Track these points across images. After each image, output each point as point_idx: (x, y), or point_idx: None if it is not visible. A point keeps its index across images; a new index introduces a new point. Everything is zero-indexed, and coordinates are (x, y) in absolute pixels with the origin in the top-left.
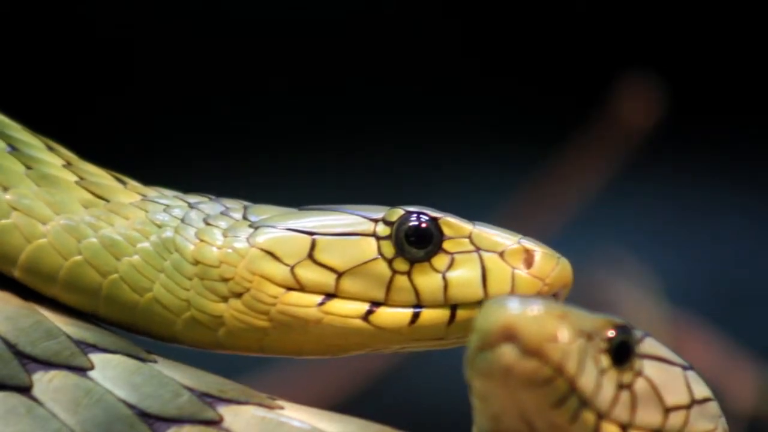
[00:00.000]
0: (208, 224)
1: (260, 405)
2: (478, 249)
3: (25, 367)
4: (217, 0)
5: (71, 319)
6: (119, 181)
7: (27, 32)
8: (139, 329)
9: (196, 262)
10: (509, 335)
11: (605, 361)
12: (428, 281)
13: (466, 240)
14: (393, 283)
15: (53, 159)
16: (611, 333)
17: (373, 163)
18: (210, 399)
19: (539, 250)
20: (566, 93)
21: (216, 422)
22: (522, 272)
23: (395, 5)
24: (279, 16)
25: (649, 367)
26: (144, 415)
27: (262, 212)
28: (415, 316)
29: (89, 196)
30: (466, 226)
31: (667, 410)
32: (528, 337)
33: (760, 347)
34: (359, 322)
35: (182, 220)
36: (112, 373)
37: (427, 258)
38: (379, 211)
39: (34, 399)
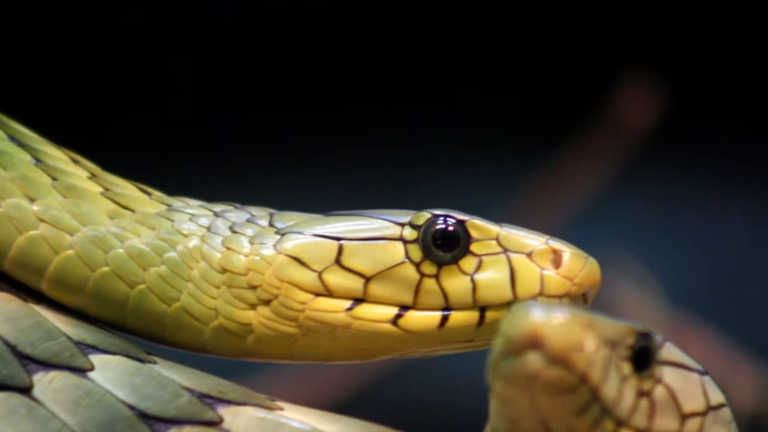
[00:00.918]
0: (234, 232)
1: (260, 406)
2: (505, 250)
3: (26, 367)
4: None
5: (71, 320)
6: (144, 191)
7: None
8: (167, 340)
9: (224, 271)
10: (535, 343)
11: (627, 368)
12: (456, 284)
13: (494, 242)
14: (421, 286)
15: (78, 171)
16: (634, 340)
17: (373, 163)
18: (210, 400)
19: (567, 251)
20: (566, 93)
21: (216, 423)
22: (550, 273)
23: (396, 4)
24: (278, 16)
25: (668, 374)
26: (144, 416)
27: (289, 219)
28: (444, 319)
29: (115, 207)
30: (493, 227)
31: (684, 417)
32: (554, 345)
33: (760, 347)
34: (388, 327)
35: (208, 229)
36: (112, 374)
37: (455, 261)
38: (405, 215)
39: (35, 399)
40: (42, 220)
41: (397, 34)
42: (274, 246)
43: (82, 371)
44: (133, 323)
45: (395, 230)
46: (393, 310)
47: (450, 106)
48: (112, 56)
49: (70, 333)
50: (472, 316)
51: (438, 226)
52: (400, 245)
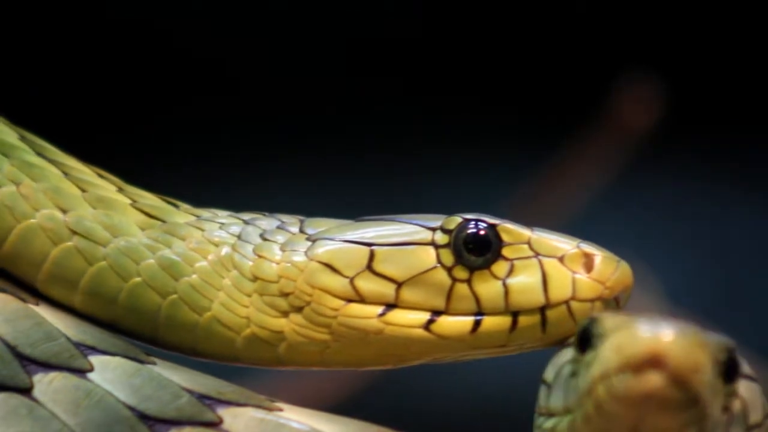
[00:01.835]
0: (265, 240)
1: (259, 407)
2: (537, 254)
3: (26, 368)
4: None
5: (70, 320)
6: (171, 204)
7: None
8: (199, 351)
9: (255, 278)
10: (658, 362)
11: (719, 384)
12: (489, 288)
13: (525, 246)
14: (453, 291)
15: (105, 184)
16: (725, 356)
17: (372, 163)
18: (209, 401)
19: (599, 254)
20: (566, 93)
21: (215, 424)
22: (582, 276)
23: (394, 4)
24: (276, 16)
25: (742, 386)
26: (144, 417)
27: (319, 225)
28: (477, 324)
29: (145, 218)
30: (525, 232)
31: (749, 428)
32: (677, 365)
33: (760, 347)
34: (421, 332)
35: (239, 237)
36: (112, 375)
37: (487, 265)
38: (436, 220)
39: (35, 400)
40: (75, 232)
41: (396, 34)
42: (306, 253)
43: (81, 372)
44: (165, 335)
45: (426, 235)
46: (425, 316)
47: (449, 107)
48: (103, 59)
49: (69, 334)
50: (504, 320)
51: (469, 231)
52: (431, 250)
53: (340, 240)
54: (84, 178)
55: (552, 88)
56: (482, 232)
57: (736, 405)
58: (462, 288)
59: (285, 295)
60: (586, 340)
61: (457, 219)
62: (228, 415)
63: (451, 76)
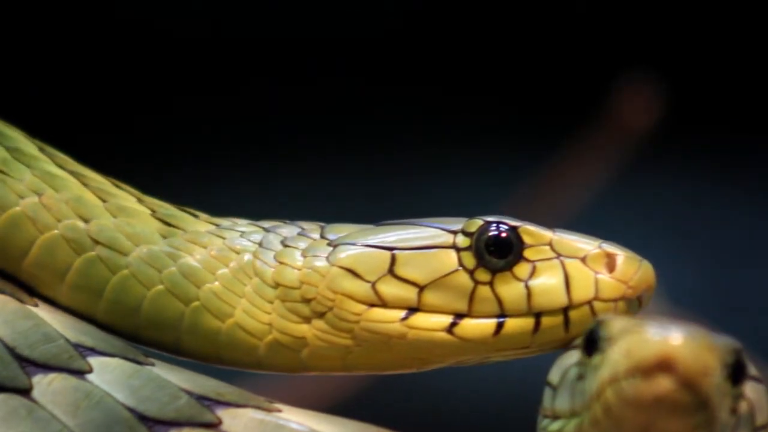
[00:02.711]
0: (286, 246)
1: (258, 408)
2: (559, 255)
3: (25, 369)
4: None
5: (69, 322)
6: (191, 213)
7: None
8: (222, 359)
9: (277, 285)
10: (668, 366)
11: (727, 387)
12: (511, 290)
13: (547, 247)
14: (475, 294)
15: (124, 194)
16: (733, 358)
17: (372, 163)
18: (208, 402)
19: (621, 254)
20: (566, 93)
21: (215, 425)
22: (605, 276)
23: (393, 4)
24: (276, 16)
25: (748, 388)
26: (143, 418)
27: (340, 230)
28: (500, 326)
29: (166, 227)
30: (546, 233)
31: (755, 430)
32: (687, 369)
33: (760, 349)
34: (444, 335)
35: (260, 245)
36: (110, 376)
37: (509, 267)
38: (456, 223)
39: (35, 401)
40: (97, 242)
41: (396, 34)
42: (327, 258)
43: (80, 373)
44: (188, 343)
45: (447, 238)
46: (448, 319)
47: (449, 107)
48: (103, 59)
49: (68, 335)
50: (527, 322)
51: (491, 233)
52: (453, 253)
53: (362, 245)
54: (104, 189)
55: (552, 88)
56: (504, 235)
57: (743, 407)
58: (484, 290)
59: (307, 300)
60: (592, 343)
61: (478, 222)
62: (227, 416)
63: (451, 76)
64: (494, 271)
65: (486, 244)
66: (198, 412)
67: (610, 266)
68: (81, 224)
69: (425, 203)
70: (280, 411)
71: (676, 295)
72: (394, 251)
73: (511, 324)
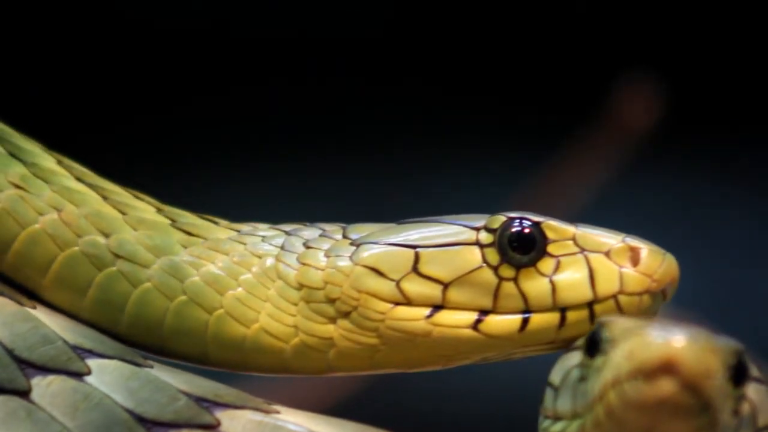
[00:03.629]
0: (308, 247)
1: (256, 409)
2: (583, 250)
3: (24, 371)
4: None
5: (68, 324)
6: (211, 221)
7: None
8: (249, 365)
9: (301, 286)
10: (671, 368)
11: (729, 388)
12: (536, 286)
13: (570, 242)
14: (500, 290)
15: (143, 205)
16: (735, 360)
17: (372, 163)
18: (206, 403)
19: (645, 247)
20: (566, 93)
21: (213, 426)
22: (629, 270)
23: (393, 4)
24: (276, 16)
25: (751, 389)
26: (141, 420)
27: (362, 230)
28: (525, 321)
29: (186, 236)
30: (569, 228)
31: (758, 431)
32: (689, 371)
33: (760, 347)
34: (469, 332)
35: (282, 248)
36: (109, 378)
37: (533, 263)
38: (479, 220)
39: (34, 403)
40: (118, 256)
41: (396, 34)
42: (351, 257)
43: (79, 375)
44: (214, 351)
45: (470, 235)
46: (473, 315)
47: (449, 106)
48: (103, 59)
49: (66, 337)
50: (553, 317)
51: (514, 229)
52: (476, 250)
53: (385, 243)
54: (123, 201)
55: (552, 88)
56: (527, 230)
57: (745, 408)
58: (509, 286)
59: (331, 301)
60: (594, 344)
61: (501, 218)
62: (225, 417)
63: (451, 76)
64: (518, 267)
65: (509, 240)
66: (196, 413)
67: (634, 260)
68: (101, 239)
69: (425, 203)
70: (278, 412)
71: (677, 296)
72: (418, 249)
73: (537, 319)
